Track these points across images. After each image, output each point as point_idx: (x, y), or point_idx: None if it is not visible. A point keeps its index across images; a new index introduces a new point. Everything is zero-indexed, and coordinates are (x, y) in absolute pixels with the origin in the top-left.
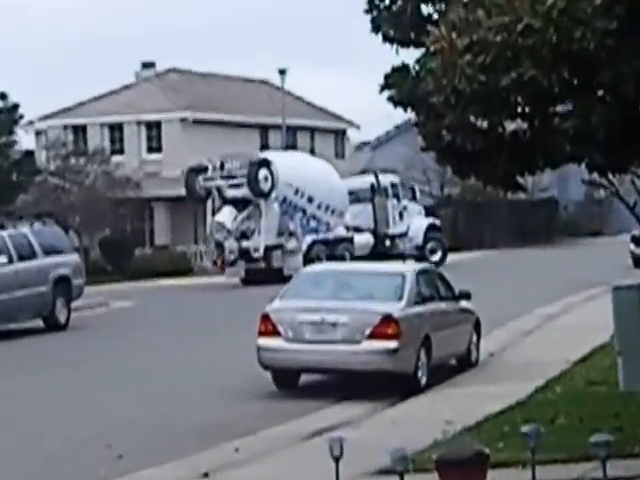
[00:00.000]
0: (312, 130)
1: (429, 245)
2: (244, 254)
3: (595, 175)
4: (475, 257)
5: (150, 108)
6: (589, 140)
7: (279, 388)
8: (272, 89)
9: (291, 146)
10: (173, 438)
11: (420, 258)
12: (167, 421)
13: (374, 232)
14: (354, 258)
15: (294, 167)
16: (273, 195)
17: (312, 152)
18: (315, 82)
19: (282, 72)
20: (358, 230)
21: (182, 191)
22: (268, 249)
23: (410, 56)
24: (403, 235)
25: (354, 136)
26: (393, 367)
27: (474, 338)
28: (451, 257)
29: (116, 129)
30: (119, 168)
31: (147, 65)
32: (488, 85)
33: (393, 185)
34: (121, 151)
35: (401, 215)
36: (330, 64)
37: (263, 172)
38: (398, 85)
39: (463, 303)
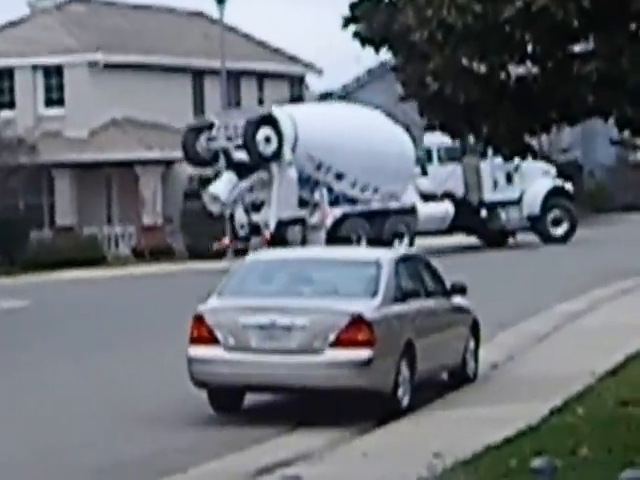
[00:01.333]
0: (260, 76)
1: (551, 214)
2: (254, 229)
3: (627, 133)
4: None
5: (48, 48)
6: (618, 87)
7: (217, 411)
8: (208, 23)
9: (234, 96)
10: None
11: (538, 231)
12: (63, 458)
13: (463, 199)
14: (415, 235)
15: (319, 129)
16: (287, 158)
17: (260, 103)
18: (264, 14)
19: (220, 1)
20: (448, 196)
21: (91, 155)
22: (282, 224)
23: None
24: (512, 203)
25: (315, 83)
26: (365, 383)
27: (471, 345)
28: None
29: (4, 76)
30: (9, 126)
31: None
32: (486, 18)
33: None
34: (11, 104)
35: (509, 177)
36: None
37: (263, 132)
38: (368, 17)
39: (457, 300)
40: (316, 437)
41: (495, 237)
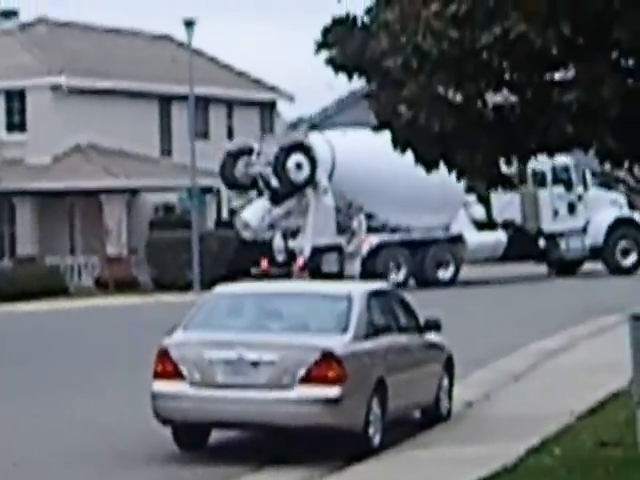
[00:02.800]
0: (229, 103)
1: (620, 244)
2: (291, 256)
3: (609, 166)
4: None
5: (10, 71)
6: (598, 118)
7: (182, 449)
8: (176, 47)
9: (202, 122)
10: None
11: (606, 262)
12: None
13: (520, 229)
14: (461, 264)
15: (358, 156)
16: (323, 184)
17: (230, 131)
18: (233, 39)
19: (189, 24)
20: (507, 225)
21: (53, 183)
22: (318, 251)
23: (358, 4)
24: (574, 232)
25: (286, 111)
26: (335, 421)
27: (445, 382)
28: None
29: None
30: None
31: (7, 14)
32: (462, 44)
33: (556, 169)
34: None
35: (572, 207)
36: (253, 15)
37: (295, 159)
38: (341, 43)
39: (431, 336)
40: (284, 476)
41: (558, 266)
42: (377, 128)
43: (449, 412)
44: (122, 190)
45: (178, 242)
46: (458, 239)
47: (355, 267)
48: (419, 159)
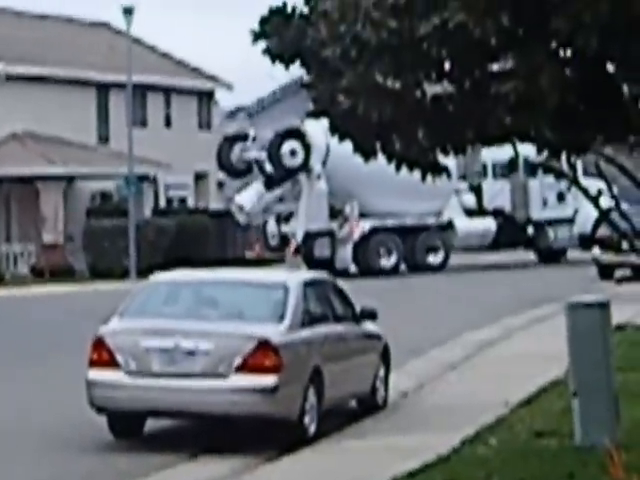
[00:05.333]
0: (167, 91)
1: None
2: (284, 240)
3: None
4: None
5: None
6: (536, 108)
7: (117, 437)
8: (114, 35)
9: (140, 110)
10: None
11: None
12: None
13: (509, 217)
14: (451, 250)
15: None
16: (316, 170)
17: (167, 120)
18: (172, 27)
19: (128, 12)
20: (498, 212)
21: None
22: (310, 236)
23: None
24: (563, 221)
25: (225, 99)
26: (271, 410)
27: (381, 372)
28: None
29: None
30: None
31: None
32: (401, 34)
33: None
34: None
35: (561, 196)
36: (192, 3)
37: (289, 145)
38: (278, 32)
39: (367, 325)
40: (219, 465)
41: (546, 254)
42: (314, 116)
43: (385, 401)
44: (59, 177)
45: (115, 230)
46: (448, 226)
47: (347, 252)
48: (358, 148)
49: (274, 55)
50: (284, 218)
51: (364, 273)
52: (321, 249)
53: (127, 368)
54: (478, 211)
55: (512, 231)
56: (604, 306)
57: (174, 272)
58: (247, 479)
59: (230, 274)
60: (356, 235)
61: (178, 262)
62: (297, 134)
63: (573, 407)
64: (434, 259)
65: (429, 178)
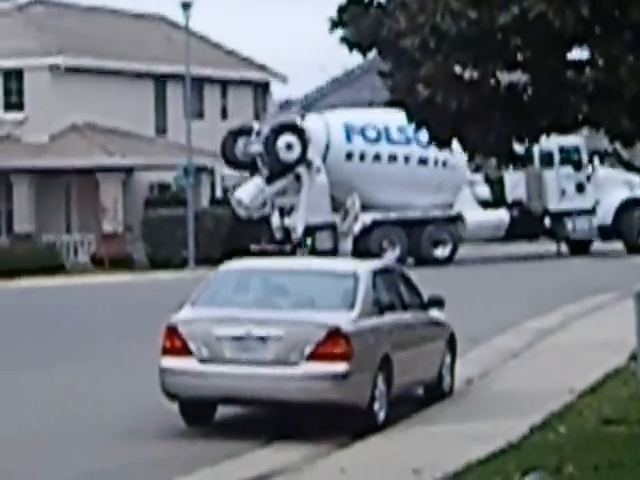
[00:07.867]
0: (224, 83)
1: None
2: (287, 233)
3: (612, 145)
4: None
5: (8, 51)
6: (614, 99)
7: (189, 424)
8: (171, 28)
9: (197, 102)
10: None
11: (624, 240)
12: (24, 478)
13: (525, 208)
14: (459, 243)
15: (355, 137)
16: (316, 164)
17: (224, 111)
18: (228, 20)
19: (186, 6)
20: (516, 204)
21: (50, 161)
22: (311, 229)
23: None
24: (583, 212)
25: (279, 91)
26: (341, 398)
27: (447, 360)
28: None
29: None
30: None
31: None
32: (480, 24)
33: (564, 149)
34: None
35: (580, 187)
36: None
37: (285, 139)
38: (355, 21)
39: (434, 313)
40: (292, 452)
41: (572, 245)
42: (391, 105)
43: (451, 389)
44: (118, 168)
45: (173, 220)
46: (457, 218)
47: (349, 245)
48: (433, 137)
49: (351, 44)
50: (286, 211)
51: None
52: (322, 242)
53: (200, 356)
54: (494, 203)
55: (528, 222)
56: None
57: (244, 261)
58: (321, 465)
59: (300, 263)
60: (357, 228)
61: (236, 252)
62: (294, 128)
63: None
64: (441, 252)
65: (440, 172)
